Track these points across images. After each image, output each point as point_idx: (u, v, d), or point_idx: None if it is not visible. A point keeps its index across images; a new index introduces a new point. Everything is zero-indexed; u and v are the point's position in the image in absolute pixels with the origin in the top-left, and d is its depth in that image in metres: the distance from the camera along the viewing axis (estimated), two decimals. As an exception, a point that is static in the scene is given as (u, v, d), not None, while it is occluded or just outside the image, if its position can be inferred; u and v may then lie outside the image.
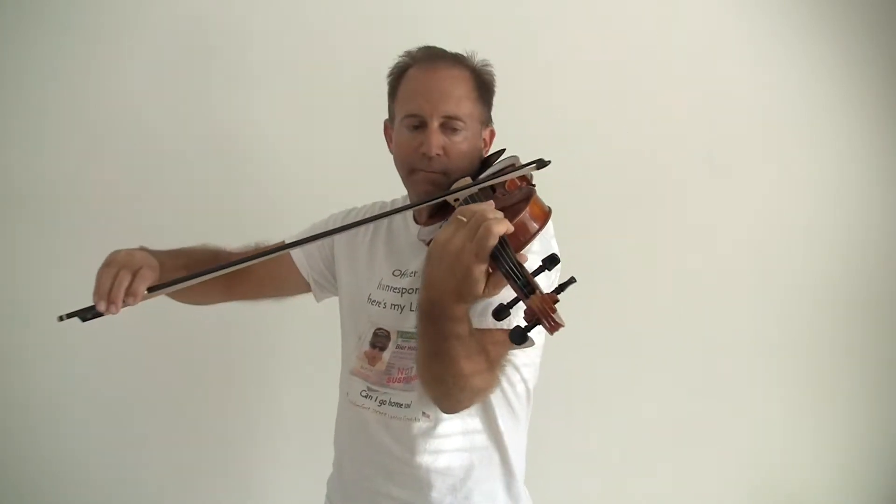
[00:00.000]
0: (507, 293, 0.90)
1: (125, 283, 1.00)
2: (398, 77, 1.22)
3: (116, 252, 1.07)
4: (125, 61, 1.79)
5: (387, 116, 1.28)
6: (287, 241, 1.32)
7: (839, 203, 1.92)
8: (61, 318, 0.96)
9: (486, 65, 1.23)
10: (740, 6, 1.89)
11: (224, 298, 1.34)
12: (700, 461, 1.93)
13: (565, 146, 1.80)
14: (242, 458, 1.88)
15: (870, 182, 1.93)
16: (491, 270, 0.89)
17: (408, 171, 1.19)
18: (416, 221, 1.26)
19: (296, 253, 1.33)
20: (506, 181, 1.07)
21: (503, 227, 0.86)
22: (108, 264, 1.04)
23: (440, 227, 1.12)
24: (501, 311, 0.85)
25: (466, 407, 1.06)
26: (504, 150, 1.25)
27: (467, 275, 0.86)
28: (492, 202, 0.94)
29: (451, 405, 1.04)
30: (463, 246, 0.86)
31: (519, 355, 1.12)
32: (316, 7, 1.82)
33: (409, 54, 1.23)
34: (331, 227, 1.33)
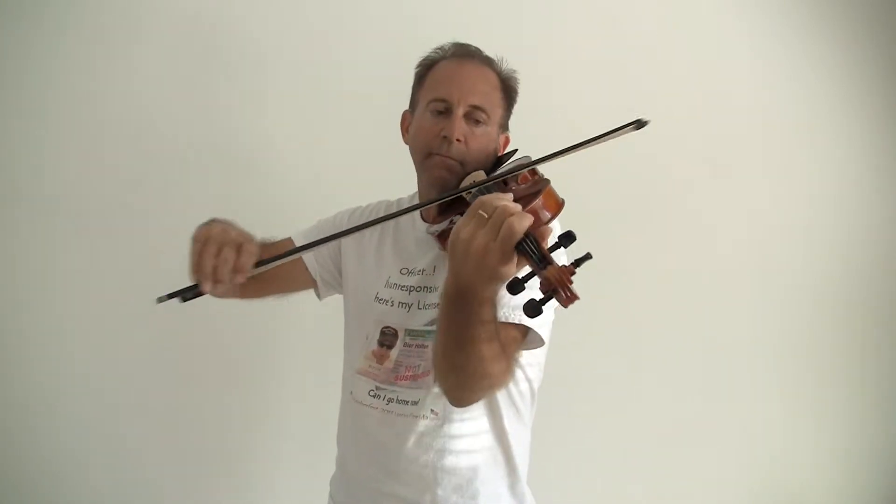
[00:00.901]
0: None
1: (231, 261, 0.94)
2: (428, 67, 1.25)
3: (209, 226, 0.99)
4: (127, 62, 1.78)
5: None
6: (294, 237, 1.33)
7: (839, 203, 1.93)
8: (160, 300, 0.91)
9: (513, 72, 1.26)
10: (740, 6, 1.90)
11: (233, 296, 1.31)
12: (700, 461, 1.93)
13: (565, 146, 1.80)
14: (245, 458, 1.88)
15: (870, 182, 1.93)
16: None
17: (424, 154, 1.19)
18: (424, 219, 1.26)
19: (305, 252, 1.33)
20: (518, 175, 1.07)
21: (527, 221, 0.83)
22: (205, 241, 0.96)
23: (451, 222, 1.12)
24: (516, 285, 0.84)
25: (479, 398, 1.05)
26: (516, 150, 1.26)
27: (495, 273, 0.85)
28: (510, 194, 0.90)
29: (464, 397, 1.03)
30: (487, 245, 0.83)
31: (524, 355, 1.13)
32: (318, 8, 1.82)
33: (441, 49, 1.25)
34: (338, 226, 1.34)
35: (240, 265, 0.94)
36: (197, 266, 0.94)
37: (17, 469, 1.81)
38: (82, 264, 1.79)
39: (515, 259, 0.85)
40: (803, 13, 1.89)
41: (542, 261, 0.83)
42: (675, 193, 1.90)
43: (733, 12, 1.89)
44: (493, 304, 0.91)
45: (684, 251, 1.89)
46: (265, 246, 1.29)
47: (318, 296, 1.40)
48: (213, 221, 1.02)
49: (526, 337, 1.08)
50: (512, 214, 0.83)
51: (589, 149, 1.88)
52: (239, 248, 0.96)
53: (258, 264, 0.97)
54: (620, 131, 1.03)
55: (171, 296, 0.92)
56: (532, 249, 0.83)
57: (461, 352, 0.93)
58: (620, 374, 1.90)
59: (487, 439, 1.16)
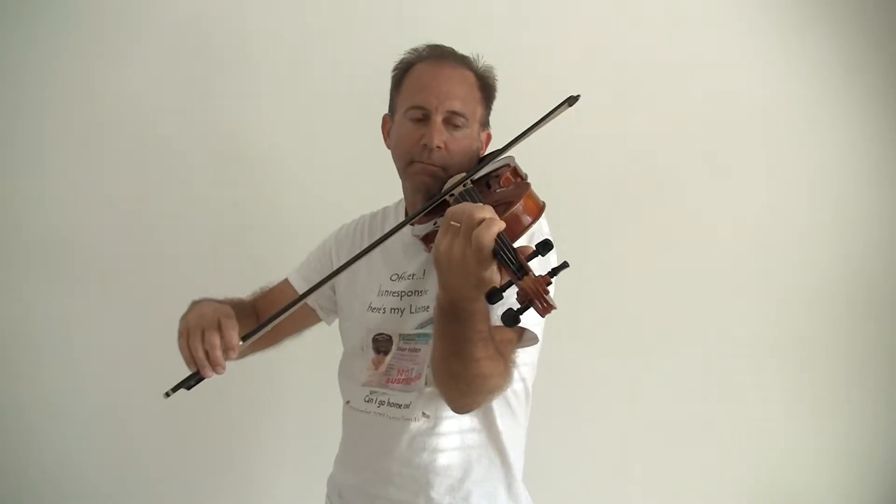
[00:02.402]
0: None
1: (217, 342, 0.98)
2: (404, 71, 1.24)
3: (184, 318, 1.04)
4: (127, 61, 1.79)
5: (386, 112, 1.29)
6: (290, 276, 1.36)
7: (839, 203, 1.92)
8: (167, 394, 0.97)
9: (490, 69, 1.25)
10: (740, 6, 1.89)
11: (254, 349, 1.31)
12: (700, 461, 1.93)
13: (565, 146, 1.80)
14: (243, 458, 1.88)
15: (870, 182, 1.92)
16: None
17: (406, 162, 1.19)
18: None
19: (300, 284, 1.34)
20: (500, 177, 1.07)
21: (495, 227, 0.86)
22: (186, 334, 1.01)
23: (435, 223, 1.12)
24: (494, 295, 0.85)
25: (481, 404, 1.07)
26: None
27: (479, 280, 0.87)
28: (482, 205, 0.92)
29: (466, 404, 1.05)
30: (464, 254, 0.87)
31: (519, 354, 1.12)
32: (319, 8, 1.82)
33: (416, 51, 1.24)
34: (326, 252, 1.36)
35: (228, 343, 0.98)
36: (191, 358, 0.99)
37: (16, 470, 1.82)
38: (81, 263, 1.80)
39: (495, 264, 0.87)
40: (804, 13, 1.89)
41: (518, 270, 0.85)
42: (675, 193, 1.89)
43: (733, 12, 1.89)
44: (485, 312, 0.93)
45: (684, 250, 1.89)
46: (262, 296, 1.34)
47: (327, 322, 1.41)
48: (190, 308, 1.07)
49: (521, 337, 1.09)
50: (480, 221, 0.86)
51: (585, 149, 1.88)
52: (220, 327, 0.99)
53: (245, 337, 1.01)
54: (556, 112, 1.05)
55: (175, 389, 0.97)
56: (509, 259, 0.85)
57: (459, 361, 0.95)
58: (619, 374, 1.90)
59: (480, 439, 1.16)
